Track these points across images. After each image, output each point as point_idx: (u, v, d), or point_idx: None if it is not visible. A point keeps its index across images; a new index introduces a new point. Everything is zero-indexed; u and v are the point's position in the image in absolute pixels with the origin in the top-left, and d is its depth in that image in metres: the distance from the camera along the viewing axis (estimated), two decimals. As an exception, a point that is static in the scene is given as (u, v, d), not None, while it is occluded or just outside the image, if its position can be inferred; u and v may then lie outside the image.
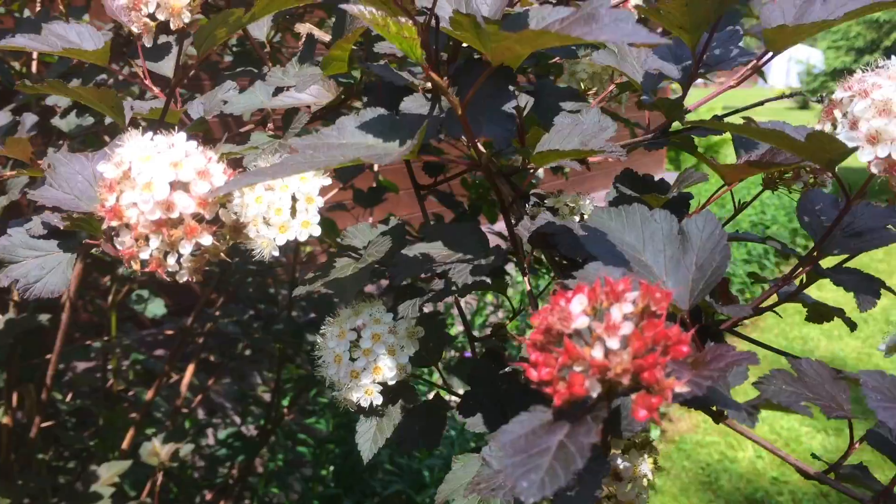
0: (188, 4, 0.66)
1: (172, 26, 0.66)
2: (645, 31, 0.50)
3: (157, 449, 1.80)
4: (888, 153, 0.59)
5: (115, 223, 0.57)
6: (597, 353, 0.43)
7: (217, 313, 2.25)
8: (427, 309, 0.82)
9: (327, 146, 0.66)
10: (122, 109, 0.77)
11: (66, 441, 1.89)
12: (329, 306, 0.91)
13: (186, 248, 0.58)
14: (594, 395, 0.43)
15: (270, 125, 1.08)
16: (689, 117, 0.77)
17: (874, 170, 0.60)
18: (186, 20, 0.66)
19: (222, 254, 0.63)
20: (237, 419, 2.60)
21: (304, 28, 1.28)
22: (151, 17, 0.66)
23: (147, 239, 0.57)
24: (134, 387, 2.32)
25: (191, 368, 2.20)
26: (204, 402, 2.48)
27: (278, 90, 1.03)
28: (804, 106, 18.76)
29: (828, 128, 0.65)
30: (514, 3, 0.85)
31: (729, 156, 7.11)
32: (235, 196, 0.76)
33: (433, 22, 0.72)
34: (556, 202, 0.92)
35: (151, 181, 0.55)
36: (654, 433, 3.38)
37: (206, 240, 0.59)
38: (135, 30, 0.67)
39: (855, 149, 0.60)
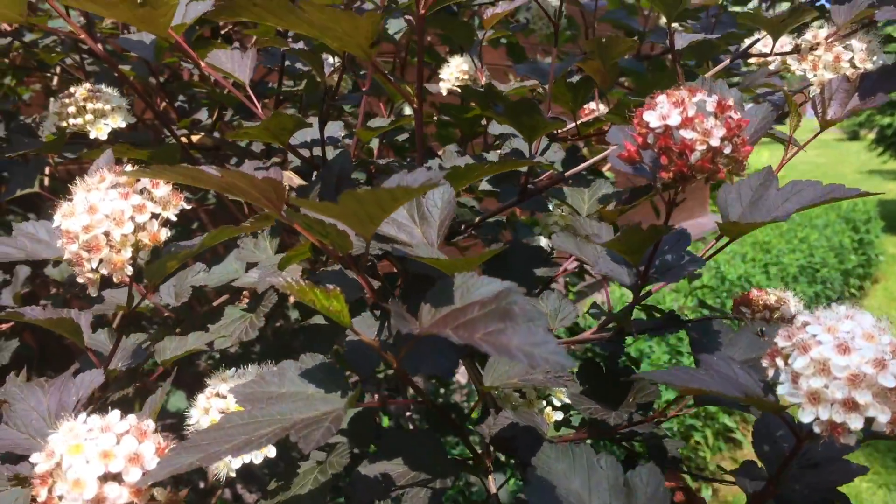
0: (129, 259, 0.67)
1: (115, 280, 0.67)
2: (553, 342, 0.49)
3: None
4: (829, 416, 0.57)
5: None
6: None
7: None
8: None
9: (268, 397, 0.66)
10: (80, 333, 0.78)
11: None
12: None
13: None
14: None
15: (245, 295, 1.09)
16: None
17: (817, 429, 0.58)
18: (129, 273, 0.67)
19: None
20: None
21: (286, 178, 1.29)
22: (95, 270, 0.67)
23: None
24: None
25: None
26: None
27: (251, 265, 1.04)
28: (854, 137, 18.47)
29: (771, 373, 0.63)
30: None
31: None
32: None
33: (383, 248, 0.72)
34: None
35: (80, 478, 0.56)
36: (706, 493, 3.30)
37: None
38: (80, 280, 0.69)
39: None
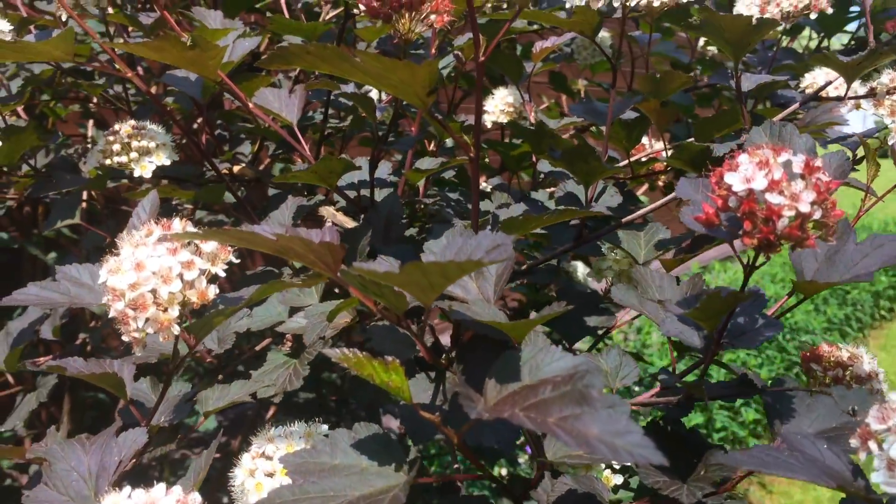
0: (176, 318, 0.64)
1: (161, 339, 0.64)
2: (637, 432, 0.45)
3: None
4: (933, 512, 0.52)
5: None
6: None
7: None
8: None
9: (319, 469, 0.62)
10: (124, 388, 0.75)
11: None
12: None
13: None
14: None
15: (289, 338, 1.06)
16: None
17: (918, 526, 0.53)
18: (176, 332, 0.64)
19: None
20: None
21: (327, 212, 1.26)
22: (141, 329, 0.64)
23: None
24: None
25: None
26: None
27: (295, 308, 1.01)
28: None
29: (862, 457, 0.58)
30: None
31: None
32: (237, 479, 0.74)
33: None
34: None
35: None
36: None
37: None
38: (125, 339, 0.66)
39: None
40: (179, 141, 1.36)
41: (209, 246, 0.68)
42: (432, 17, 0.83)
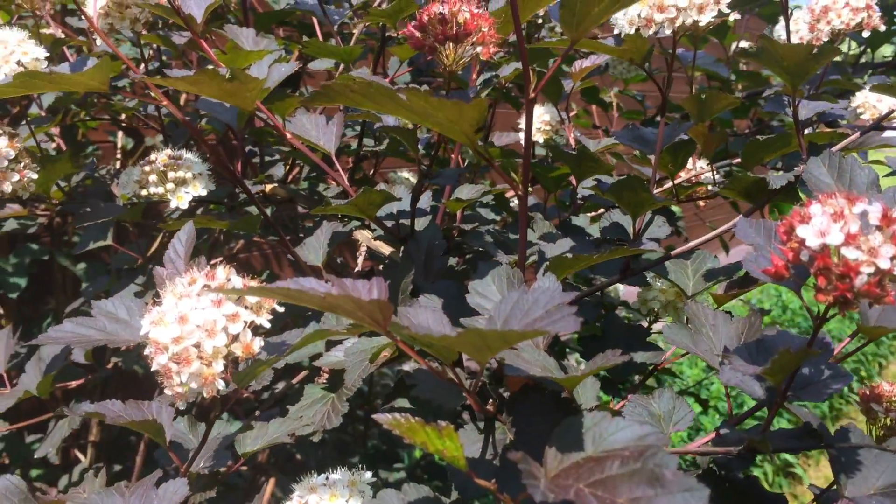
0: (221, 373, 0.62)
1: (206, 394, 0.62)
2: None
3: None
4: None
5: None
6: None
7: None
8: None
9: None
10: (163, 434, 0.74)
11: None
12: None
13: None
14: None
15: (325, 371, 1.04)
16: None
17: None
18: (221, 388, 0.62)
19: None
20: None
21: (363, 237, 1.24)
22: (184, 384, 0.62)
23: None
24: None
25: None
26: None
27: (332, 342, 0.99)
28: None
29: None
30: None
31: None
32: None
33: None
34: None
35: None
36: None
37: None
38: (167, 392, 0.64)
39: None
40: (211, 159, 1.35)
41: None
42: (478, 48, 0.80)
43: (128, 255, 1.38)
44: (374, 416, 0.56)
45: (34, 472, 1.82)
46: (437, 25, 0.78)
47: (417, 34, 0.79)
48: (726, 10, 0.85)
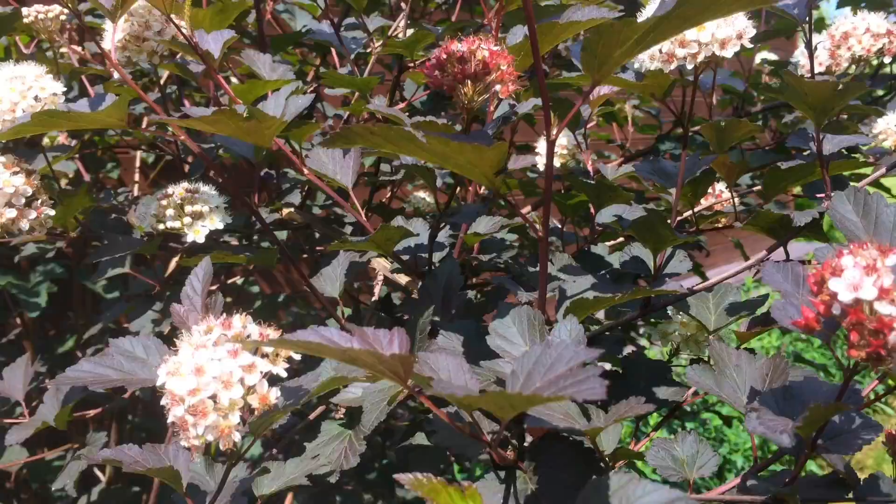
0: (237, 425, 0.61)
1: (222, 447, 0.62)
2: None
3: None
4: None
5: None
6: None
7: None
8: None
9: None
10: (179, 480, 0.73)
11: None
12: None
13: None
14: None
15: (341, 406, 1.03)
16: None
17: None
18: (237, 440, 0.62)
19: None
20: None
21: (380, 266, 1.23)
22: (200, 436, 0.62)
23: None
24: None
25: None
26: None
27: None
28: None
29: None
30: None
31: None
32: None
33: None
34: None
35: None
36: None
37: None
38: (183, 444, 0.63)
39: None
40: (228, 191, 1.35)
41: (270, 343, 0.65)
42: (497, 86, 0.79)
43: (145, 282, 1.38)
44: (395, 476, 0.54)
45: (54, 489, 1.82)
46: (455, 64, 0.77)
47: (436, 73, 0.78)
48: (749, 45, 0.83)
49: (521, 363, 0.57)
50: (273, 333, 0.67)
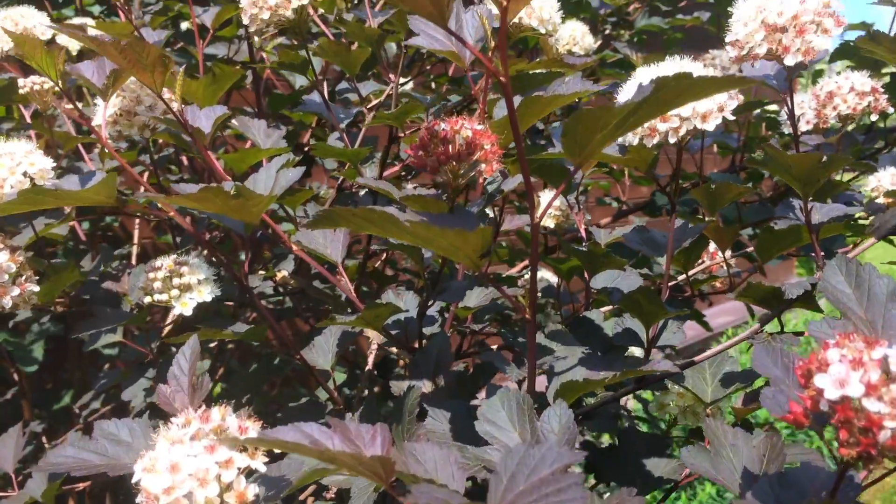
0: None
1: (198, 546, 0.60)
2: None
3: None
4: None
5: None
6: None
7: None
8: None
9: None
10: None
11: None
12: None
13: None
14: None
15: (331, 488, 1.01)
16: None
17: None
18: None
19: None
20: None
21: (374, 335, 1.22)
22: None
23: None
24: None
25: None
26: None
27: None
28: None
29: None
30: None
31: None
32: None
33: None
34: None
35: None
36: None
37: None
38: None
39: None
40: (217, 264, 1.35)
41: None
42: (481, 166, 0.79)
43: (138, 350, 1.37)
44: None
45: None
46: (438, 145, 0.77)
47: (420, 153, 0.78)
48: (731, 118, 0.83)
49: (504, 464, 0.55)
50: (253, 425, 0.65)
